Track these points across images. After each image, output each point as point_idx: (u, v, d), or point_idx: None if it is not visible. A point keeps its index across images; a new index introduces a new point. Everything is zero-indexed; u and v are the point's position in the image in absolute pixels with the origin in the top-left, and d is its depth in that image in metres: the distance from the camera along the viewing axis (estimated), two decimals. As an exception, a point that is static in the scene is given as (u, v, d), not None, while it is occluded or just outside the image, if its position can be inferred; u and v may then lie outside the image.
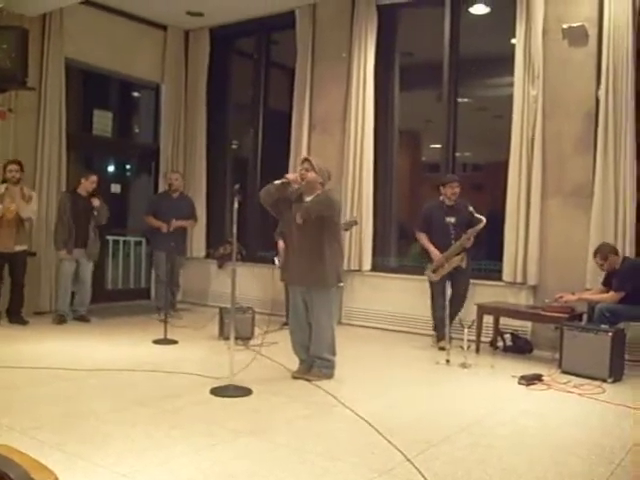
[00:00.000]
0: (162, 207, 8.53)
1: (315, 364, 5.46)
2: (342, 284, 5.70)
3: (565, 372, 5.75)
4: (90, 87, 9.84)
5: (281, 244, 7.83)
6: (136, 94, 10.90)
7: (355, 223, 7.74)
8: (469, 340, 6.26)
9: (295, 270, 5.42)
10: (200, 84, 9.88)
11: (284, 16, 8.88)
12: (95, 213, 7.90)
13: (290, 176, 5.42)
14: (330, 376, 5.43)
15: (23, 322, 7.52)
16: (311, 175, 5.35)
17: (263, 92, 9.62)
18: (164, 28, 9.81)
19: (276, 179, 5.38)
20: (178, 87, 9.92)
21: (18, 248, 7.52)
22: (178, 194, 8.71)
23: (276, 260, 7.95)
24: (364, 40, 8.17)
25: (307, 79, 8.71)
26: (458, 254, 6.79)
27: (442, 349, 6.64)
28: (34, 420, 4.05)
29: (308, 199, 5.38)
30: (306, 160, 5.51)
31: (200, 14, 9.27)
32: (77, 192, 7.94)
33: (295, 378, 5.42)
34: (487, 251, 7.45)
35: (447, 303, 6.77)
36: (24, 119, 8.13)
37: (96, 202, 7.88)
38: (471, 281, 7.14)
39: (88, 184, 7.91)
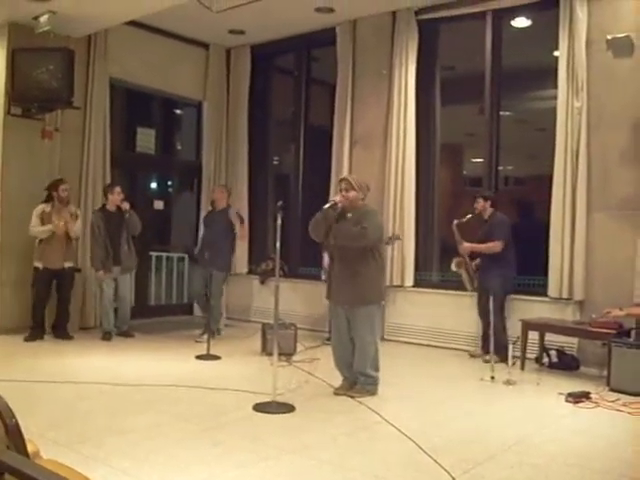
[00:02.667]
0: (206, 221, 8.39)
1: (359, 381, 5.44)
2: (383, 302, 5.66)
3: (614, 390, 5.63)
4: (134, 105, 10.00)
5: (326, 258, 7.78)
6: (178, 112, 11.04)
7: (397, 238, 7.72)
8: (514, 356, 6.18)
9: (338, 289, 5.42)
10: (241, 101, 9.95)
11: (324, 33, 8.91)
12: (127, 215, 7.87)
13: (337, 198, 5.44)
14: (374, 393, 5.39)
15: (68, 337, 7.62)
16: (353, 194, 5.37)
17: (304, 109, 9.64)
18: (206, 46, 9.92)
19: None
20: (220, 104, 10.01)
21: (67, 265, 7.65)
22: (221, 208, 8.23)
23: (323, 276, 7.93)
24: (405, 55, 8.15)
25: (348, 95, 8.72)
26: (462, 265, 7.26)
27: (472, 356, 7.20)
28: (79, 434, 4.09)
29: (350, 215, 5.38)
30: (344, 180, 5.53)
31: (241, 32, 9.37)
32: (106, 208, 7.97)
33: (338, 395, 5.39)
34: (531, 266, 7.35)
35: (483, 317, 6.99)
36: (70, 138, 8.28)
37: (126, 205, 7.85)
38: (514, 297, 7.14)
39: (115, 197, 7.90)
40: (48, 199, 7.59)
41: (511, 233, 7.04)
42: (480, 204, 7.15)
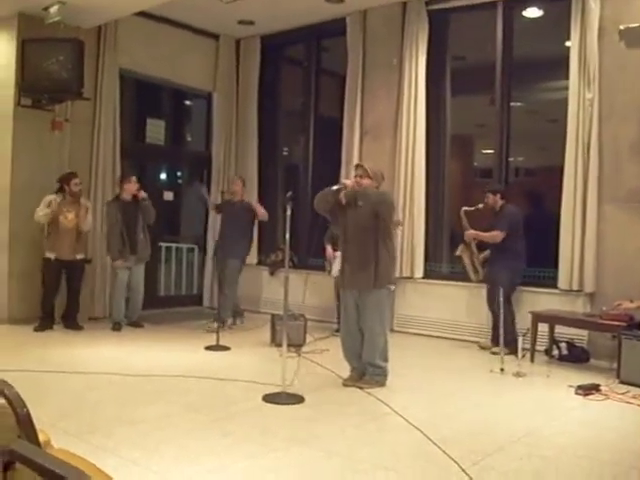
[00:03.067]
0: (225, 212, 8.39)
1: (367, 372, 5.44)
2: (393, 287, 5.65)
3: (623, 382, 5.61)
4: (143, 96, 9.99)
5: (329, 250, 7.85)
6: (188, 103, 11.04)
7: (398, 224, 7.73)
8: (524, 349, 6.16)
9: (348, 274, 5.44)
10: (251, 92, 9.94)
11: (334, 23, 8.88)
12: (145, 203, 7.91)
13: (347, 182, 5.48)
14: (382, 384, 5.39)
15: (78, 328, 7.65)
16: (366, 181, 5.38)
17: (314, 99, 9.62)
18: (216, 37, 9.91)
19: (328, 186, 5.41)
20: (230, 95, 10.00)
21: (78, 256, 7.69)
22: (239, 199, 8.35)
23: (327, 266, 7.96)
24: (415, 45, 8.12)
25: (358, 86, 8.69)
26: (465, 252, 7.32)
27: (482, 348, 7.19)
28: (89, 425, 4.11)
29: (361, 204, 5.38)
30: (359, 166, 5.55)
31: (251, 22, 9.35)
32: (121, 198, 8.01)
33: (347, 386, 5.39)
34: (542, 258, 7.32)
35: (492, 309, 6.96)
36: (80, 129, 8.28)
37: (142, 193, 7.91)
38: (524, 289, 7.11)
39: (132, 186, 7.96)
40: (59, 191, 7.60)
41: (522, 225, 7.02)
42: (490, 198, 7.15)
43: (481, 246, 7.28)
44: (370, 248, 5.30)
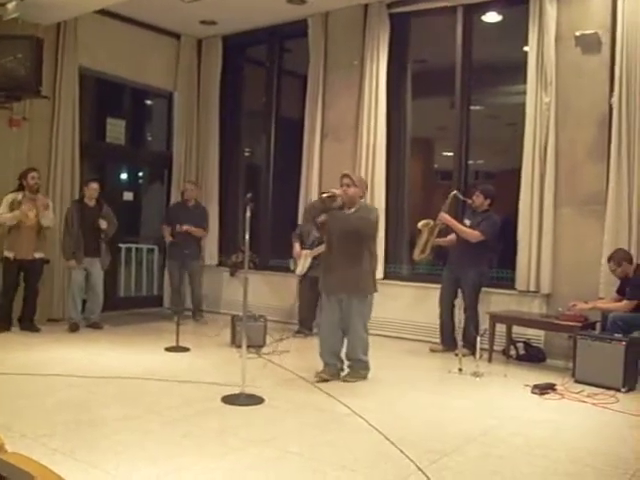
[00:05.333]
0: (177, 216, 8.73)
1: (354, 366, 5.75)
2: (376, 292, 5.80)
3: (578, 381, 5.72)
4: (103, 95, 9.87)
5: (297, 247, 7.88)
6: (149, 102, 10.95)
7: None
8: (481, 349, 6.24)
9: (335, 278, 5.60)
10: (213, 92, 9.90)
11: (296, 24, 8.89)
12: (102, 236, 7.98)
13: (336, 191, 5.63)
14: (366, 377, 5.73)
15: (35, 329, 7.54)
16: (353, 190, 5.60)
17: (275, 100, 9.62)
18: (177, 37, 9.84)
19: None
20: (191, 95, 9.94)
21: (37, 255, 7.57)
22: (193, 203, 8.98)
23: (292, 264, 7.99)
24: (376, 48, 8.17)
25: (319, 87, 8.71)
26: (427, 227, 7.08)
27: (432, 351, 7.17)
28: (46, 428, 4.05)
29: (349, 212, 5.62)
30: (346, 176, 5.70)
31: (213, 23, 9.31)
32: (84, 202, 7.98)
33: (320, 377, 5.56)
34: (499, 259, 7.41)
35: (447, 308, 7.10)
36: (38, 127, 8.17)
37: (103, 225, 7.91)
38: (483, 290, 7.08)
39: (91, 191, 7.96)
40: (19, 188, 7.50)
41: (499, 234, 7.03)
42: (480, 199, 7.01)
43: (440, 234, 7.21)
44: (357, 255, 5.52)
